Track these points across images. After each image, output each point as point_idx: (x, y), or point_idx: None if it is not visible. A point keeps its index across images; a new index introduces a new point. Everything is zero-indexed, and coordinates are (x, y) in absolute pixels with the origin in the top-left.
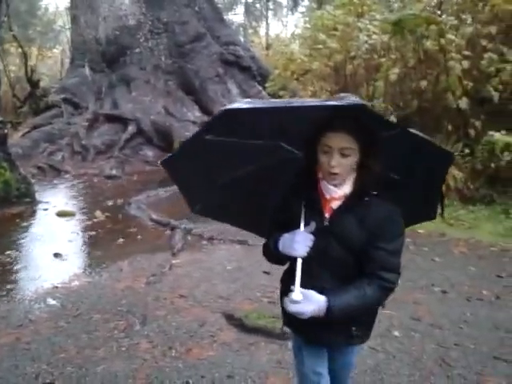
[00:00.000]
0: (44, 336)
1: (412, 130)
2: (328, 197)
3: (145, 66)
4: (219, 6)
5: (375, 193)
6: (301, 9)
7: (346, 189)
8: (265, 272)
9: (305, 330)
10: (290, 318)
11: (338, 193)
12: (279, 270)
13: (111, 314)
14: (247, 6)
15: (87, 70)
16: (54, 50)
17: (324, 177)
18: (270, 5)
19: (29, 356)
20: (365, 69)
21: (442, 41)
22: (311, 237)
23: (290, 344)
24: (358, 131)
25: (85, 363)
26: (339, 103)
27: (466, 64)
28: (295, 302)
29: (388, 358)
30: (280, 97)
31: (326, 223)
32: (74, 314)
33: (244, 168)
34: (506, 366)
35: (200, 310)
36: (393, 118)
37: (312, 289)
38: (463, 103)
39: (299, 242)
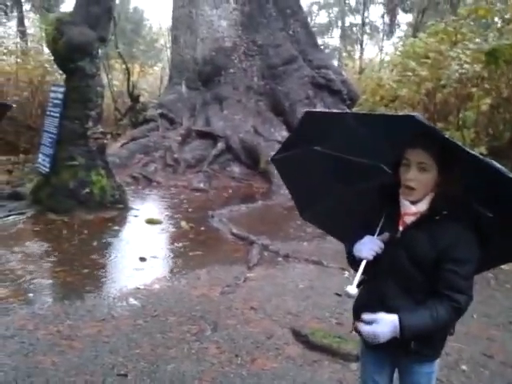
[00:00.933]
0: (123, 332)
1: (480, 157)
2: (403, 212)
3: (238, 86)
4: (314, 29)
5: (445, 212)
6: (399, 33)
7: (422, 207)
8: (336, 294)
9: None
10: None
11: (412, 209)
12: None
13: (185, 318)
14: (343, 30)
15: (184, 88)
16: (155, 68)
17: (402, 191)
18: (367, 29)
19: (107, 348)
20: (455, 97)
21: None
22: (379, 243)
23: (352, 365)
24: (435, 149)
25: (157, 360)
26: (393, 114)
27: None
28: (349, 295)
29: None
30: None
31: (398, 236)
32: (152, 314)
33: (346, 185)
34: None
35: (269, 323)
36: (483, 150)
37: (374, 295)
38: None
39: (366, 244)
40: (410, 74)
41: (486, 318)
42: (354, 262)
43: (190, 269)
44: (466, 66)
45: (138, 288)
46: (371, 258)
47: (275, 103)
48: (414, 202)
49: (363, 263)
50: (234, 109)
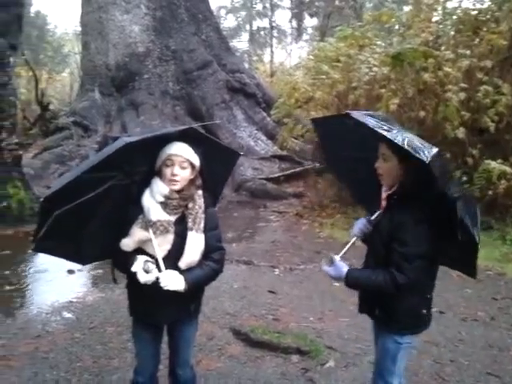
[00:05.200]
0: (61, 346)
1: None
2: (382, 198)
3: (153, 92)
4: (224, 33)
5: (395, 197)
6: (305, 37)
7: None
8: (270, 291)
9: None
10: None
11: (384, 196)
12: (284, 290)
13: (124, 328)
14: (252, 34)
15: (97, 94)
16: (63, 74)
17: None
18: (275, 33)
19: (47, 364)
20: (366, 99)
21: (440, 73)
22: (366, 223)
23: (293, 357)
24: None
25: (100, 372)
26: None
27: (462, 96)
28: (332, 260)
29: None
30: (284, 124)
31: (379, 218)
32: (89, 326)
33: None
34: (498, 381)
35: (208, 325)
36: None
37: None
38: (460, 133)
39: (357, 224)
40: (323, 77)
41: None
42: None
43: (122, 277)
44: (374, 68)
45: (71, 301)
46: (359, 234)
47: (192, 108)
48: (386, 190)
49: (353, 239)
50: (150, 114)
